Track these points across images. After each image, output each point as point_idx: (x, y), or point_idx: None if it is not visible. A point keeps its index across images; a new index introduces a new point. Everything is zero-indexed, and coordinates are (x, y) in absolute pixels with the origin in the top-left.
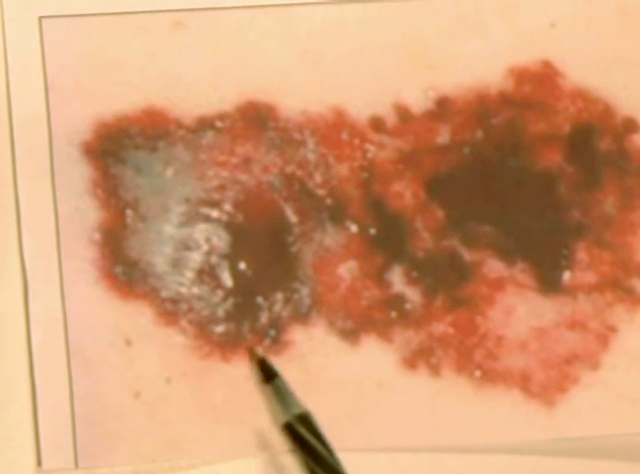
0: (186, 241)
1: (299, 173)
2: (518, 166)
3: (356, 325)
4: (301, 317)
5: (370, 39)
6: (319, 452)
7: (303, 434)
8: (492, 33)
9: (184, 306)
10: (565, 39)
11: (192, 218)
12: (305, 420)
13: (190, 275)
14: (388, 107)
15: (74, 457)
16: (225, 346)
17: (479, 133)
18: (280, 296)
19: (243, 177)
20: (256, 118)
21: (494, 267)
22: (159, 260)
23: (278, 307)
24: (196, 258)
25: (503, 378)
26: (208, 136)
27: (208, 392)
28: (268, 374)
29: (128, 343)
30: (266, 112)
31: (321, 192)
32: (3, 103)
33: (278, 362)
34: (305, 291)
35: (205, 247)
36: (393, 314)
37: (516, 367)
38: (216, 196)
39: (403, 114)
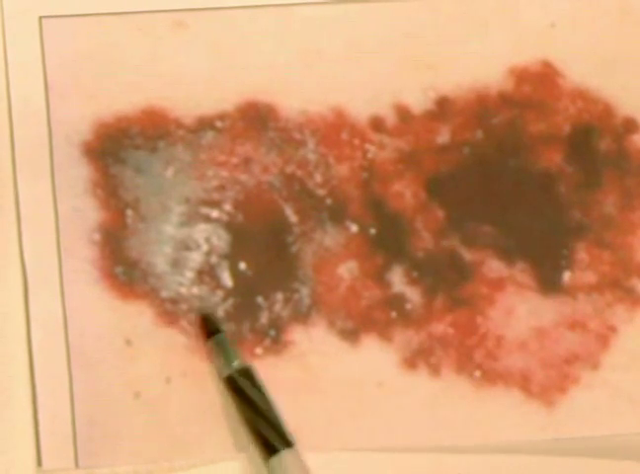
0: (186, 241)
1: (299, 173)
2: (518, 166)
3: (356, 325)
4: (301, 317)
5: (370, 39)
6: (259, 406)
7: (245, 388)
8: (492, 33)
9: (184, 306)
10: (565, 39)
11: (192, 218)
12: (247, 374)
13: (190, 275)
14: (388, 107)
15: (74, 457)
16: None
17: (479, 133)
18: (280, 296)
19: (243, 177)
20: (256, 119)
21: (494, 267)
22: (159, 260)
23: (278, 307)
24: (196, 258)
25: (503, 378)
26: (208, 136)
27: (208, 392)
28: (210, 330)
29: (128, 343)
30: (266, 112)
31: (321, 192)
32: (3, 103)
33: (278, 362)
34: (305, 291)
35: (205, 247)
36: (393, 314)
37: (516, 367)
38: (216, 196)
39: (403, 114)
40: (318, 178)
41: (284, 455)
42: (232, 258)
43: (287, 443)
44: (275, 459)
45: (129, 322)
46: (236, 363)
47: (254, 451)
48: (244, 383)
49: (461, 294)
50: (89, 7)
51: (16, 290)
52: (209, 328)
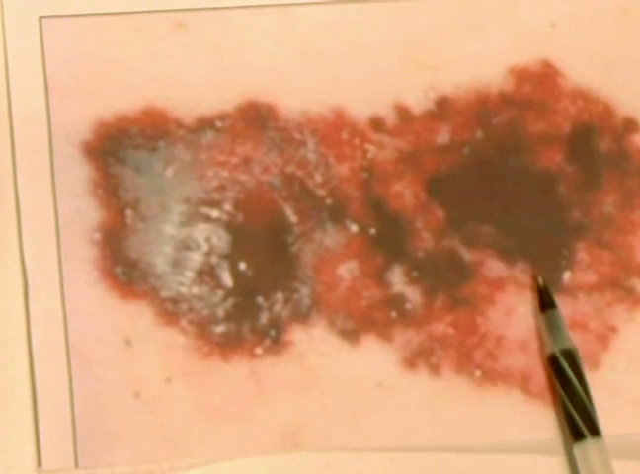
0: (186, 241)
1: (299, 173)
2: (518, 166)
3: (356, 325)
4: (301, 317)
5: (370, 39)
6: (575, 389)
7: (565, 369)
8: (492, 33)
9: (184, 306)
10: (565, 39)
11: (192, 218)
12: (570, 356)
13: (190, 275)
14: (388, 107)
15: (74, 457)
16: (225, 346)
17: (479, 133)
18: (280, 296)
19: (243, 177)
20: (256, 119)
21: (494, 267)
22: (159, 260)
23: (278, 307)
24: (196, 258)
25: (503, 378)
26: (208, 136)
27: (208, 392)
28: (545, 303)
29: (128, 343)
30: (266, 112)
31: (321, 192)
32: (3, 103)
33: (278, 362)
34: (305, 291)
35: (205, 247)
36: (393, 314)
37: (516, 367)
38: (216, 196)
39: (403, 114)
40: (318, 178)
41: (590, 443)
42: (232, 258)
43: (596, 432)
44: (579, 445)
45: (129, 322)
46: (562, 343)
47: (253, 452)
48: (565, 364)
49: (461, 294)
50: (89, 7)
51: (16, 290)
52: (546, 300)
